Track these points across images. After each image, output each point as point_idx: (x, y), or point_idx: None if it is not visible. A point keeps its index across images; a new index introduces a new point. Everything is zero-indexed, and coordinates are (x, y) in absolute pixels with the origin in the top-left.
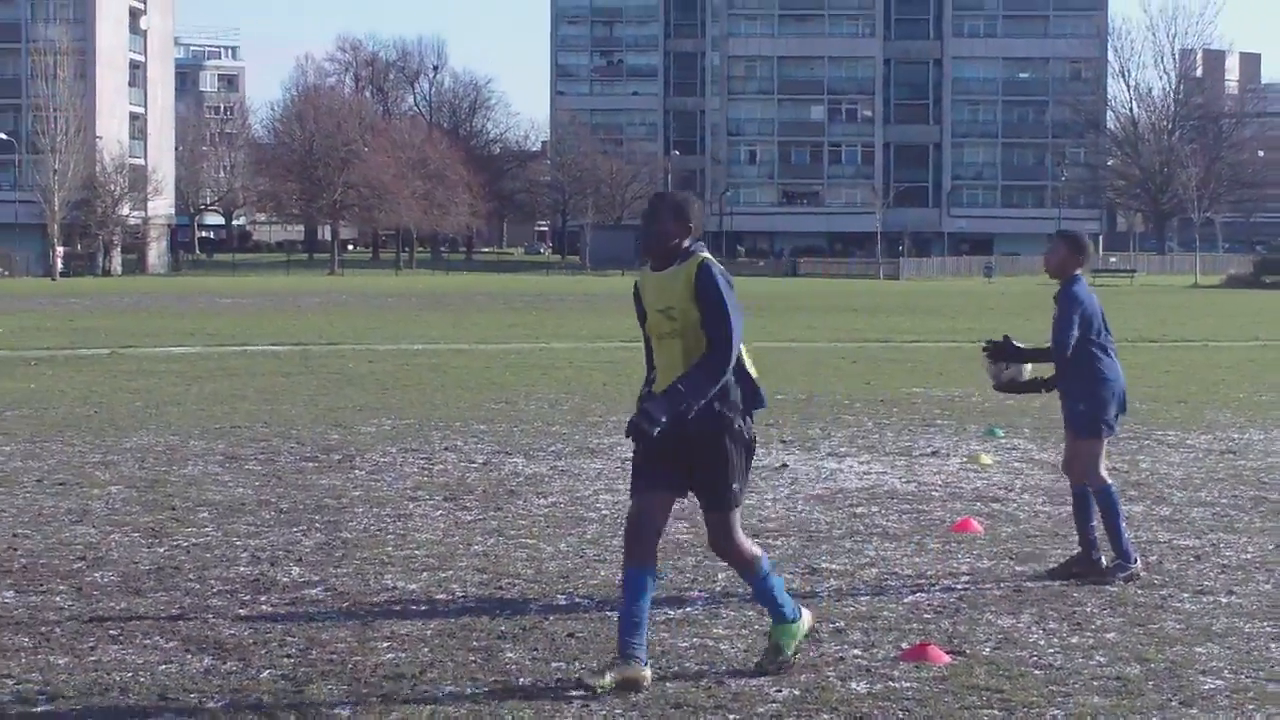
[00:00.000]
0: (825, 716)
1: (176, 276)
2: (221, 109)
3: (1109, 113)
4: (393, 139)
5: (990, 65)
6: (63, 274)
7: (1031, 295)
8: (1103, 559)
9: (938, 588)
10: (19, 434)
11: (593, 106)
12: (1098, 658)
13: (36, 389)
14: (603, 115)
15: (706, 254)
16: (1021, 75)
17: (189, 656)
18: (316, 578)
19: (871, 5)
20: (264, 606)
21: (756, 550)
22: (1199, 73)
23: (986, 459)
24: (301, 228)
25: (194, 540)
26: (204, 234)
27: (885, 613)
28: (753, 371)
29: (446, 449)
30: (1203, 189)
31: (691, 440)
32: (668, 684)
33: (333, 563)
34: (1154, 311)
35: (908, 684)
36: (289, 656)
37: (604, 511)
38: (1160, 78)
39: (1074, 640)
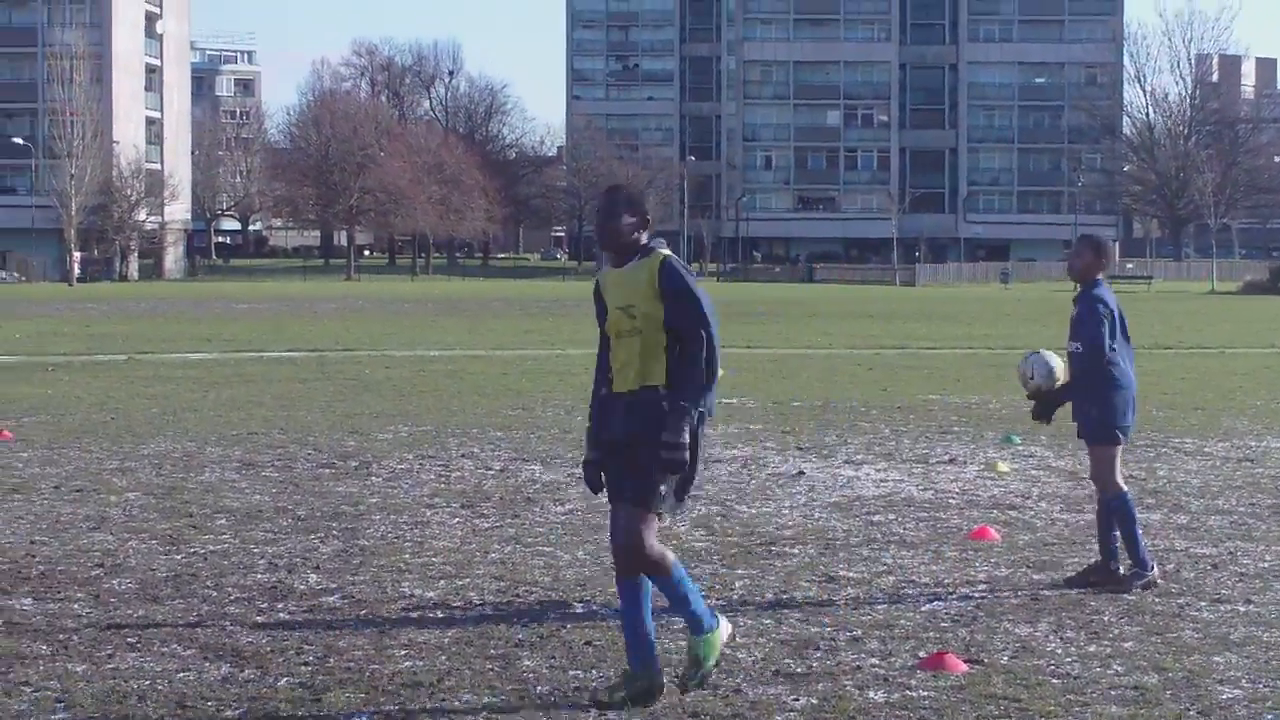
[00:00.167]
0: None
1: (193, 282)
2: (238, 113)
3: (1125, 118)
4: (409, 144)
5: (1006, 70)
6: (79, 279)
7: (1048, 301)
8: (1121, 568)
9: (955, 596)
10: (37, 440)
11: (608, 111)
12: (1115, 666)
13: (54, 395)
14: (618, 120)
15: (666, 250)
16: (1037, 80)
17: (206, 664)
18: (334, 585)
19: (887, 10)
20: (281, 614)
21: (669, 557)
22: (1215, 78)
23: (1004, 466)
24: (318, 233)
25: (211, 547)
26: (220, 239)
27: (903, 621)
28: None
29: (463, 456)
30: (1219, 195)
31: (631, 442)
32: (685, 693)
33: (350, 570)
34: (1170, 318)
35: (925, 693)
36: (306, 664)
37: None
38: (1176, 83)
39: (1091, 649)
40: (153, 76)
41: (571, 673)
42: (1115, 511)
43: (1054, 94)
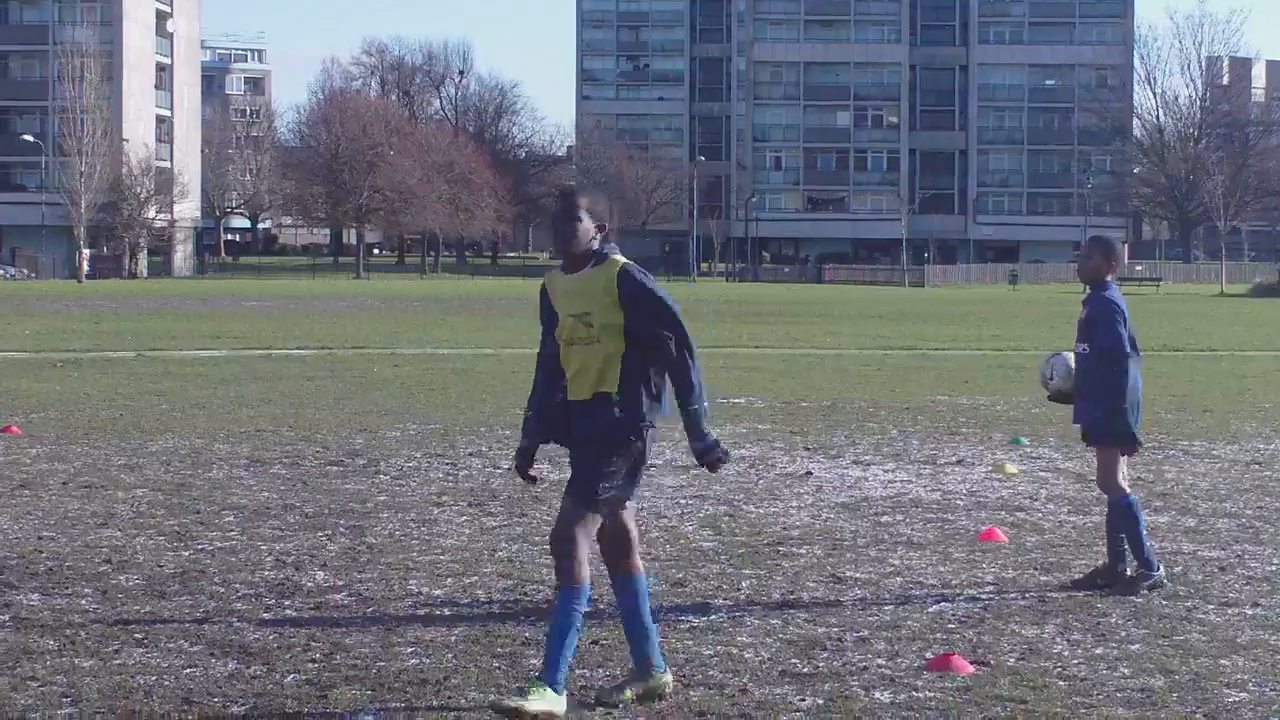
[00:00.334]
0: None
1: (202, 279)
2: (248, 112)
3: (1135, 120)
4: (419, 143)
5: (1016, 72)
6: (89, 276)
7: (1057, 303)
8: (1128, 571)
9: (962, 597)
10: (45, 436)
11: (618, 111)
12: (1122, 669)
13: (62, 391)
14: (628, 120)
15: (621, 257)
16: (1047, 82)
17: (213, 660)
18: (341, 582)
19: (897, 11)
20: (288, 611)
21: (587, 574)
22: (1225, 80)
23: (1011, 468)
24: (327, 231)
25: (219, 544)
26: (230, 237)
27: (910, 622)
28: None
29: (471, 454)
30: (1229, 197)
31: (585, 443)
32: (691, 692)
33: (357, 568)
34: (1179, 320)
35: (932, 694)
36: (313, 661)
37: None
38: (1186, 85)
39: (1098, 651)
40: (163, 75)
41: (578, 672)
42: (1119, 513)
43: (1064, 96)
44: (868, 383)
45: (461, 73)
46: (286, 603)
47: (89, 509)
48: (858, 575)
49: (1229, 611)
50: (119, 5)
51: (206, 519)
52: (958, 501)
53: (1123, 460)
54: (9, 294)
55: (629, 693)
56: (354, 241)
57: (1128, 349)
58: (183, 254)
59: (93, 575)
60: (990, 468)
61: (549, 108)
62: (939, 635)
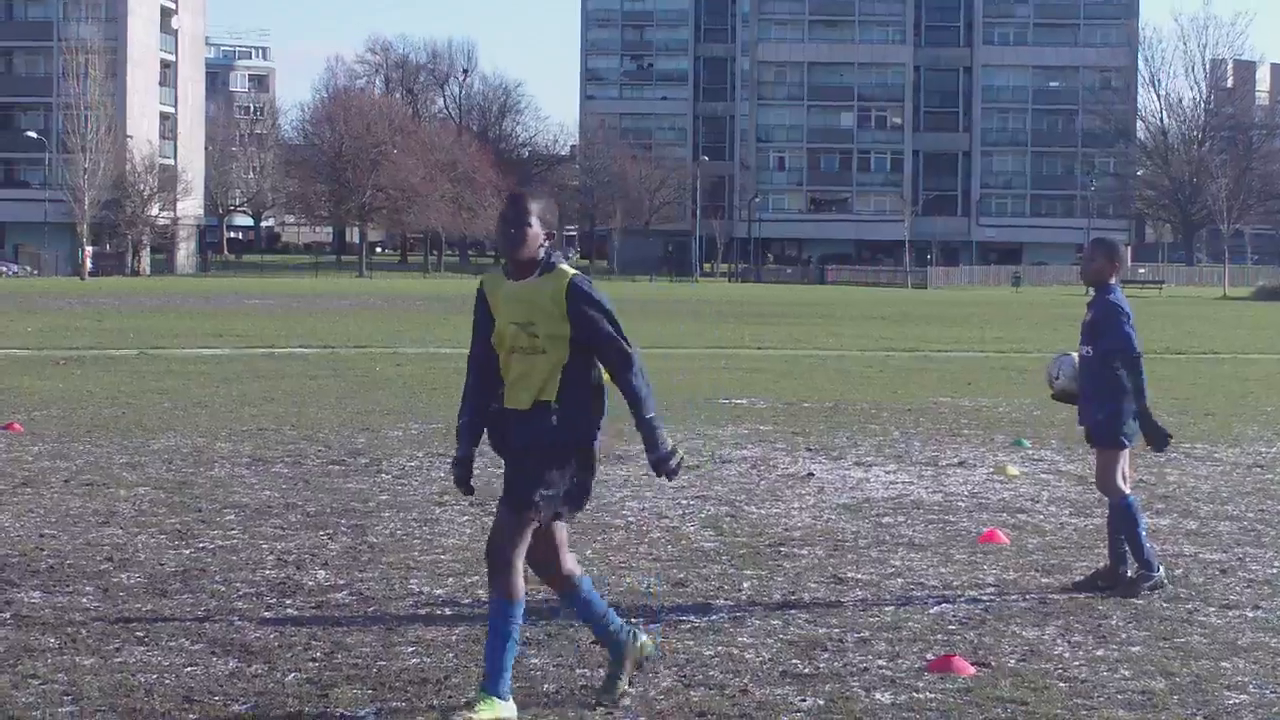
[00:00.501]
0: None
1: (205, 277)
2: (251, 110)
3: (1139, 122)
4: (422, 141)
5: (1020, 73)
6: (91, 273)
7: (1060, 305)
8: (1129, 573)
9: (963, 599)
10: (47, 434)
11: (622, 110)
12: (1123, 671)
13: (65, 389)
14: (632, 120)
15: (569, 267)
16: (1051, 84)
17: (214, 659)
18: (342, 581)
19: (902, 12)
20: (289, 610)
21: (523, 588)
22: (1229, 83)
23: (1013, 470)
24: (330, 230)
25: (220, 543)
26: (233, 235)
27: (910, 623)
28: (605, 386)
29: None
30: (1232, 200)
31: (522, 451)
32: (692, 692)
33: (358, 567)
34: (1182, 323)
35: (932, 695)
36: (314, 660)
37: (630, 518)
38: (1191, 88)
39: (1099, 653)
40: (167, 72)
41: (579, 671)
42: (1118, 514)
43: (1068, 98)
44: (870, 384)
45: (465, 71)
46: (288, 601)
47: (91, 507)
48: (859, 576)
49: (1230, 614)
50: (124, 2)
51: (208, 517)
52: (959, 503)
53: (1125, 462)
54: (12, 291)
55: (622, 682)
56: (357, 240)
57: (1138, 349)
58: (185, 251)
59: (94, 573)
60: (992, 469)
61: (553, 107)
62: (940, 636)
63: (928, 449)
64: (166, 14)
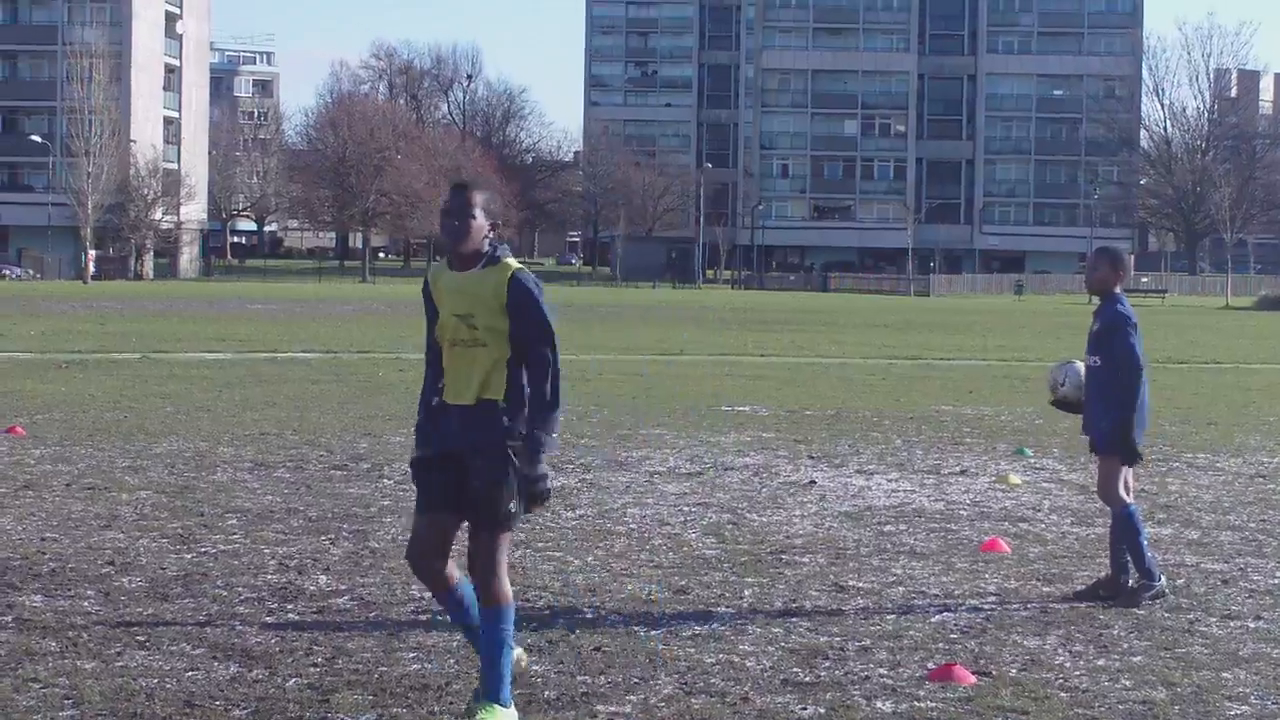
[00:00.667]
0: None
1: (208, 282)
2: (256, 114)
3: (1142, 131)
4: (426, 147)
5: (1024, 81)
6: (94, 277)
7: (1062, 313)
8: (1131, 582)
9: (965, 607)
10: (49, 437)
11: (626, 117)
12: (1124, 681)
13: (67, 392)
14: (636, 126)
15: (514, 260)
16: (1055, 92)
17: (215, 664)
18: (344, 587)
19: (906, 20)
20: (291, 615)
21: (510, 594)
22: (1233, 93)
23: (1015, 479)
24: (333, 235)
25: (222, 547)
26: (236, 239)
27: (912, 632)
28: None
29: None
30: (1235, 210)
31: (466, 456)
32: (693, 700)
33: (360, 572)
34: (1184, 332)
35: (933, 704)
36: (315, 665)
37: (632, 525)
38: (1194, 97)
39: (1100, 663)
40: (172, 76)
41: (580, 678)
42: (1120, 523)
43: (1072, 106)
44: (872, 392)
45: (470, 77)
46: (289, 606)
47: (92, 511)
48: (860, 584)
49: (1231, 624)
50: (128, 6)
51: (210, 522)
52: (961, 512)
53: (1128, 472)
54: (15, 294)
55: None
56: (360, 245)
57: (1141, 362)
58: (188, 256)
59: (95, 577)
60: (994, 478)
61: (557, 113)
62: (941, 645)
63: (930, 457)
64: (171, 19)
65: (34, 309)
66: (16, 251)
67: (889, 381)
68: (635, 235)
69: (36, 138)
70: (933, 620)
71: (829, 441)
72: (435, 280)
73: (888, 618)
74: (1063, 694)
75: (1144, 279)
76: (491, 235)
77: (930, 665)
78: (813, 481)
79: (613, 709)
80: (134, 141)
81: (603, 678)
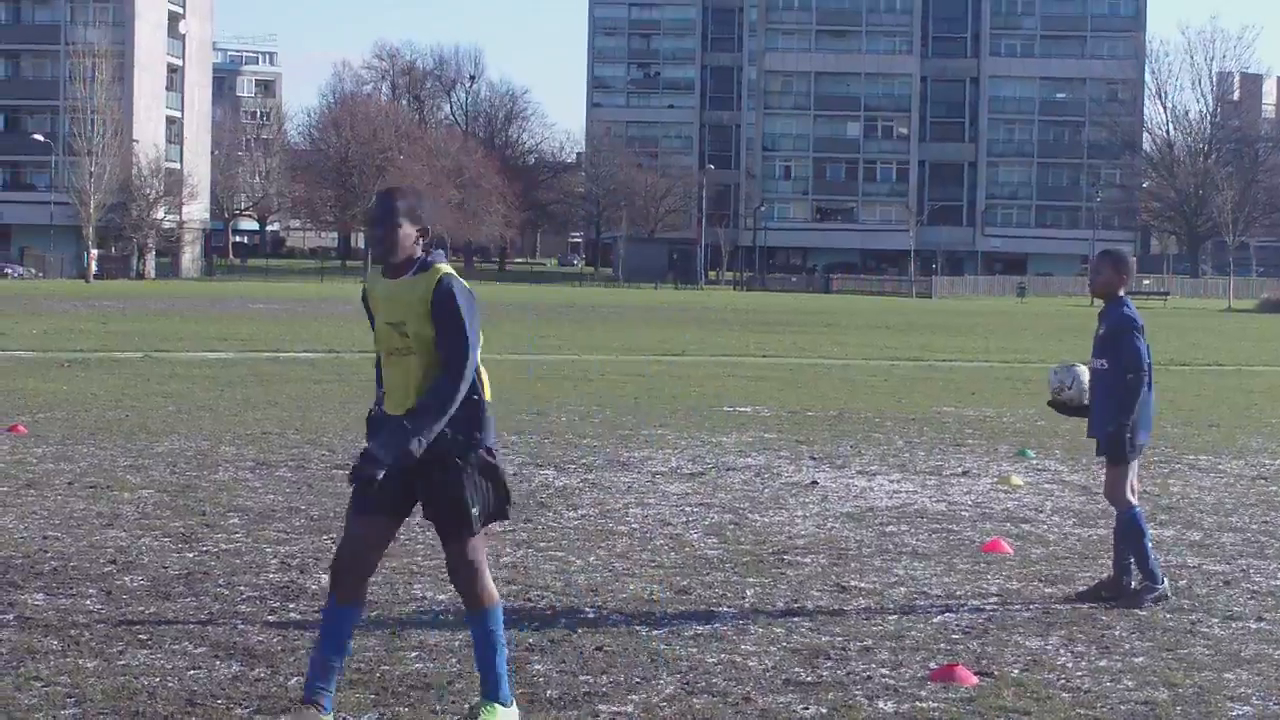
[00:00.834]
0: None
1: (209, 281)
2: (258, 114)
3: (1145, 134)
4: (428, 147)
5: (1027, 84)
6: (96, 276)
7: (1065, 316)
8: (1133, 584)
9: (966, 608)
10: (51, 436)
11: (628, 119)
12: (1126, 681)
13: (69, 391)
14: (638, 128)
15: (446, 266)
16: (1058, 95)
17: (217, 662)
18: None
19: (909, 23)
20: (293, 613)
21: (496, 595)
22: (1236, 96)
23: (1017, 480)
24: (335, 234)
25: (224, 546)
26: (238, 239)
27: (914, 632)
28: (488, 395)
29: None
30: (1238, 213)
31: (422, 464)
32: (695, 700)
33: None
34: (1186, 335)
35: (935, 704)
36: None
37: (634, 525)
38: (1197, 100)
39: (1102, 663)
40: (174, 76)
41: (582, 678)
42: (1124, 526)
43: (1074, 109)
44: (874, 393)
45: (472, 78)
46: (291, 605)
47: (94, 509)
48: (862, 585)
49: (1233, 625)
50: (131, 6)
51: (212, 521)
52: (963, 512)
53: (1133, 474)
54: (17, 293)
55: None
56: (362, 245)
57: (1146, 366)
58: (190, 255)
59: (97, 576)
60: (996, 479)
61: (559, 114)
62: (943, 646)
63: (931, 458)
64: (174, 19)
65: (36, 308)
66: (19, 250)
67: (891, 383)
68: (637, 236)
69: (39, 137)
70: (935, 621)
71: (831, 442)
72: (371, 289)
73: (890, 618)
74: (1065, 695)
75: (1146, 281)
76: (421, 241)
77: (932, 665)
78: (815, 482)
79: (615, 709)
80: (136, 141)
81: (605, 677)
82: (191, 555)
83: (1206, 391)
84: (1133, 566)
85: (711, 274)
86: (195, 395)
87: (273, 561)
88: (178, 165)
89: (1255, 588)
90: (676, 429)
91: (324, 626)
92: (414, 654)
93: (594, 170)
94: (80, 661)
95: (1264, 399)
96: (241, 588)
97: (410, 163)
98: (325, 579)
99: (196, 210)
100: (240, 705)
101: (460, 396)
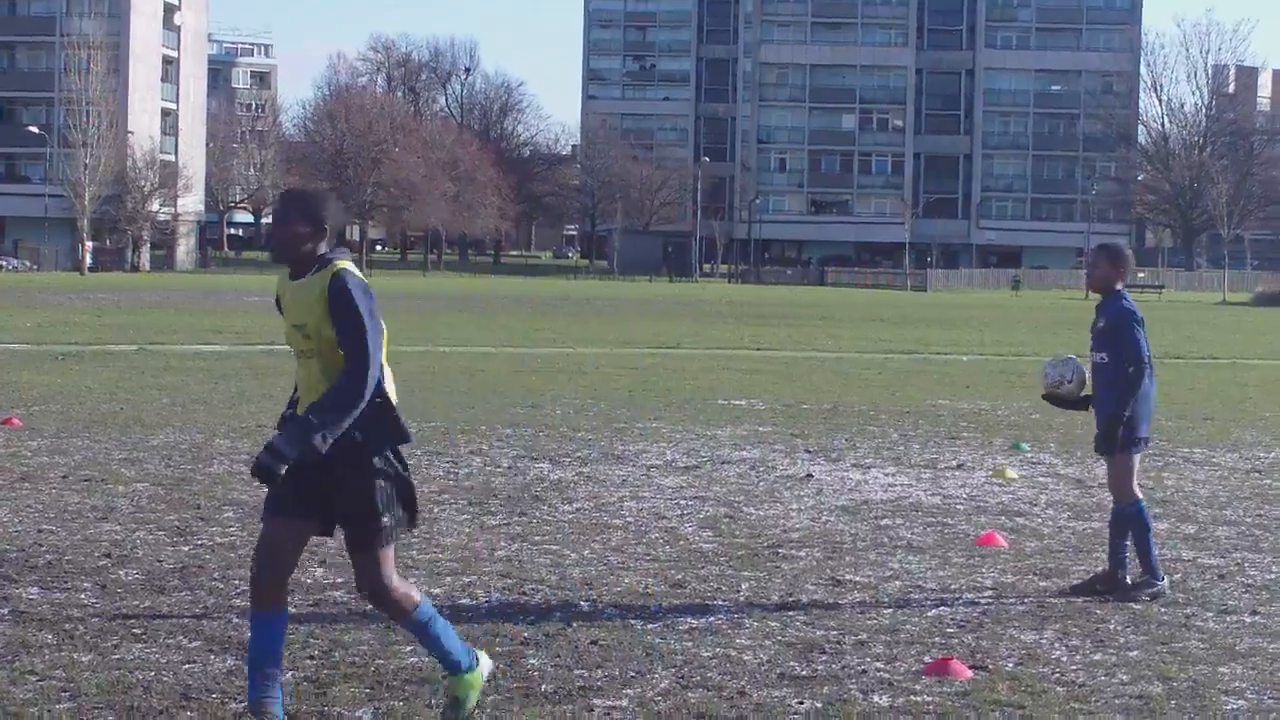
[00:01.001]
0: None
1: (204, 274)
2: (253, 106)
3: (1140, 127)
4: (423, 140)
5: (1022, 77)
6: (91, 269)
7: (1059, 308)
8: (1128, 577)
9: (961, 602)
10: (45, 429)
11: (624, 111)
12: (1120, 675)
13: (63, 384)
14: (633, 120)
15: (345, 263)
16: (1053, 87)
17: (212, 656)
18: (340, 579)
19: (905, 15)
20: (288, 608)
21: (415, 594)
22: (1231, 89)
23: (1012, 473)
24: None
25: (219, 539)
26: (233, 231)
27: (908, 626)
28: (393, 396)
29: (472, 453)
30: (1233, 206)
31: (331, 471)
32: (690, 694)
33: None
34: (1181, 328)
35: (930, 698)
36: (312, 658)
37: (628, 519)
38: (1192, 93)
39: (1097, 657)
40: (169, 68)
41: (577, 671)
42: (1131, 520)
43: (1070, 102)
44: (869, 386)
45: (467, 70)
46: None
47: (89, 503)
48: (857, 579)
49: (1228, 619)
50: None
51: (207, 514)
52: (958, 506)
53: (1137, 467)
54: (11, 286)
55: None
56: (357, 238)
57: (1147, 357)
58: (186, 248)
59: (92, 569)
60: (990, 472)
61: (554, 106)
62: (937, 639)
63: (926, 451)
64: (169, 10)
65: (30, 300)
66: (13, 243)
67: (886, 376)
68: (632, 229)
69: (33, 129)
70: (929, 614)
71: (826, 435)
72: (281, 291)
73: (884, 612)
74: (1059, 688)
75: (1141, 274)
76: (319, 240)
77: (927, 659)
78: (809, 475)
79: (609, 702)
80: (131, 133)
81: (599, 671)
82: (186, 549)
83: (1201, 385)
84: (1128, 560)
85: (706, 267)
86: (190, 388)
87: None
88: (173, 157)
89: (1250, 581)
90: (671, 422)
91: (252, 637)
92: (409, 648)
93: (589, 163)
94: (75, 655)
95: (1258, 392)
96: (236, 581)
97: (405, 155)
98: (319, 571)
99: (191, 203)
100: (235, 699)
101: (366, 392)
